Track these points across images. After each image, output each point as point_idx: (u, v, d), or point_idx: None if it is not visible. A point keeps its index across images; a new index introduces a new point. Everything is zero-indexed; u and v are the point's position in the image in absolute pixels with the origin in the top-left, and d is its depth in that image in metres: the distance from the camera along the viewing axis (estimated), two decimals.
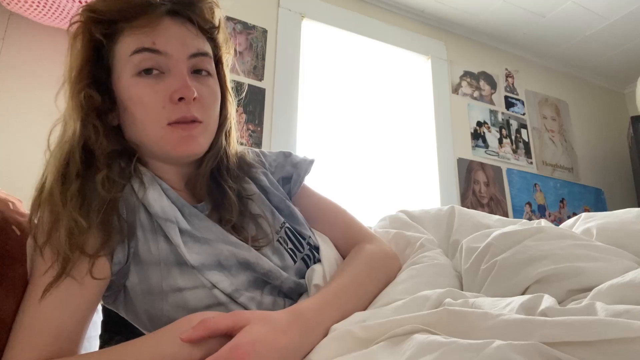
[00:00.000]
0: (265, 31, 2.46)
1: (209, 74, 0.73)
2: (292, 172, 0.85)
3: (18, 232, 0.61)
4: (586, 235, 0.77)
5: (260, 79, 2.36)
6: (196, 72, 0.71)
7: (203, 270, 0.65)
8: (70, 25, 0.70)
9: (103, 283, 0.64)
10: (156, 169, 0.73)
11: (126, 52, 0.68)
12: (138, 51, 0.67)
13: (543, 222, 0.83)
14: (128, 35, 0.68)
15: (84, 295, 0.61)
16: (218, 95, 0.74)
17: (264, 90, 2.34)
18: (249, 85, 2.31)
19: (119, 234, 0.64)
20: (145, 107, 0.67)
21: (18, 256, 0.60)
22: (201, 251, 0.66)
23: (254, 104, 2.29)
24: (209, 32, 0.75)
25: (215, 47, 0.77)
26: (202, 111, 0.70)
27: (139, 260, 0.66)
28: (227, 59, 0.80)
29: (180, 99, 0.67)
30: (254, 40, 2.41)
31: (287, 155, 0.88)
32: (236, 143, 0.82)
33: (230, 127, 0.80)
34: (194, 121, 0.68)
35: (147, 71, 0.68)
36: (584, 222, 0.83)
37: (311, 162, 0.87)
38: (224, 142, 0.77)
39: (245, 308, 0.66)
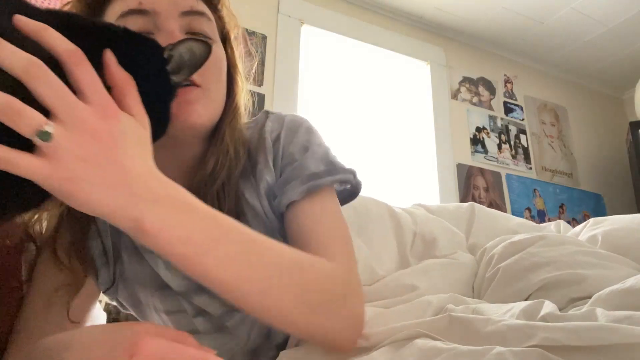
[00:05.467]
0: (264, 37, 2.46)
1: (208, 38, 0.62)
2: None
3: (14, 247, 0.62)
4: (591, 242, 0.77)
5: (260, 84, 2.36)
6: (193, 34, 0.60)
7: (190, 295, 0.62)
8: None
9: (95, 297, 0.67)
10: None
11: (113, 18, 0.59)
12: (124, 15, 0.58)
13: (562, 224, 0.83)
14: (115, 1, 0.60)
15: (80, 305, 0.63)
16: (222, 63, 0.64)
17: (264, 96, 2.34)
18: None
19: (99, 258, 0.64)
20: None
21: (13, 270, 0.61)
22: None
23: (253, 109, 2.29)
24: None
25: (219, 19, 0.68)
26: (198, 74, 0.56)
27: (125, 278, 0.66)
28: (236, 35, 0.69)
29: None
30: (254, 46, 2.42)
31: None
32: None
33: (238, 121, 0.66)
34: (188, 85, 0.57)
35: None
36: (591, 229, 0.83)
37: None
38: (234, 134, 0.64)
39: (235, 331, 0.64)
